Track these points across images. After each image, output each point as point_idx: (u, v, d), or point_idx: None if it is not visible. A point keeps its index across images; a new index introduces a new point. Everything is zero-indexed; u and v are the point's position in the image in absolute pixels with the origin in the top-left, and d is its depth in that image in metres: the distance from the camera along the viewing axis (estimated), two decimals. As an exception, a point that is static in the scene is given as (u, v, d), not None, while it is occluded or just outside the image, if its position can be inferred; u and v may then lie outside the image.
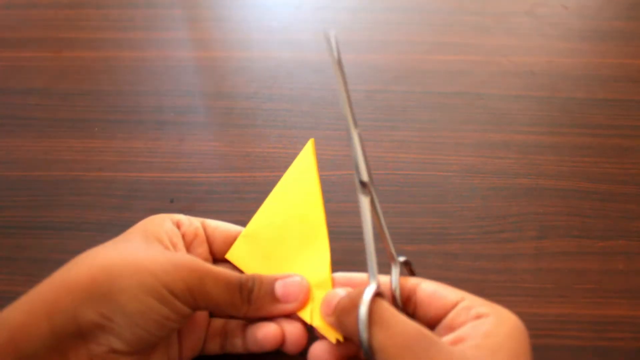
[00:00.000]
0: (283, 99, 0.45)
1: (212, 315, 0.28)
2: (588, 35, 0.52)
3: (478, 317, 0.23)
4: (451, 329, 0.24)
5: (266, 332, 0.26)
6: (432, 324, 0.24)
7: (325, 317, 0.25)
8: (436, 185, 0.38)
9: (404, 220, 0.35)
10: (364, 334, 0.21)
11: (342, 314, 0.23)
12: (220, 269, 0.25)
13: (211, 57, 0.50)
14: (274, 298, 0.26)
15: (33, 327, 0.21)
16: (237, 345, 0.27)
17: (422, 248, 0.34)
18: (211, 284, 0.24)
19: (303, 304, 0.26)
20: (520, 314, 0.30)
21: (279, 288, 0.26)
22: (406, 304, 0.26)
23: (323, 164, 0.39)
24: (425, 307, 0.25)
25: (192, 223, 0.29)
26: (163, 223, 0.28)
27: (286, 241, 0.28)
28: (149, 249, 0.25)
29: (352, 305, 0.23)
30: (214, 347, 0.28)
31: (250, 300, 0.25)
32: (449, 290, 0.25)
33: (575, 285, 0.32)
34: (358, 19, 0.55)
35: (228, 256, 0.29)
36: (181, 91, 0.46)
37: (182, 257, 0.25)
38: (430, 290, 0.25)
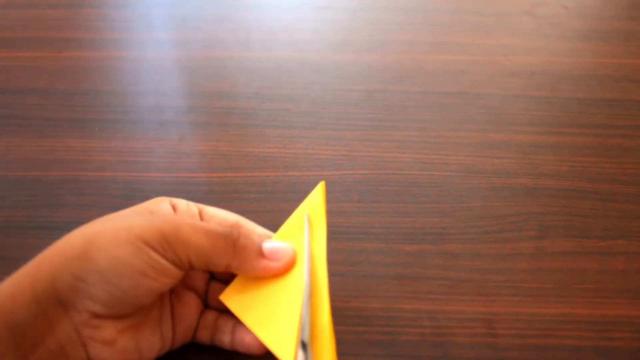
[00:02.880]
0: (283, 99, 0.45)
1: (207, 306, 0.29)
2: (588, 35, 0.52)
3: None
4: None
5: (254, 336, 0.26)
6: None
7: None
8: (436, 185, 0.38)
9: (404, 220, 0.35)
10: None
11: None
12: (198, 221, 0.25)
13: (211, 57, 0.50)
14: (260, 253, 0.26)
15: (18, 296, 0.22)
16: (225, 341, 0.27)
17: (422, 248, 0.34)
18: (189, 231, 0.24)
19: (287, 268, 0.26)
20: (520, 314, 0.30)
21: (267, 245, 0.26)
22: None
23: (323, 164, 0.39)
24: None
25: (190, 209, 0.29)
26: (160, 203, 0.28)
27: (281, 290, 0.26)
28: (129, 212, 0.26)
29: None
30: (203, 338, 0.28)
31: (236, 249, 0.25)
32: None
33: (575, 285, 0.32)
34: (358, 19, 0.55)
35: (222, 297, 0.27)
36: (181, 91, 0.46)
37: (159, 213, 0.26)
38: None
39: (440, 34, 0.52)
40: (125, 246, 0.22)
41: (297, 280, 0.26)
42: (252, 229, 0.29)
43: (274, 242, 0.27)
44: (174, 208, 0.28)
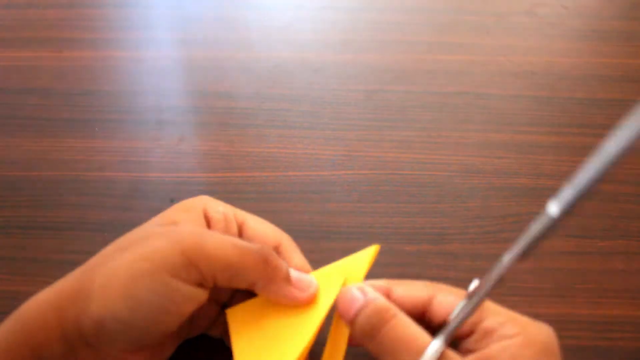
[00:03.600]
0: (283, 99, 0.45)
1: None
2: (588, 35, 0.52)
3: (503, 337, 0.22)
4: (478, 342, 0.22)
5: None
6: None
7: (342, 317, 0.23)
8: (436, 185, 0.38)
9: (404, 220, 0.35)
10: None
11: (367, 330, 0.22)
12: (228, 235, 0.24)
13: (211, 57, 0.50)
14: (288, 278, 0.24)
15: (48, 330, 0.21)
16: None
17: (422, 248, 0.34)
18: (214, 245, 0.22)
19: (309, 300, 0.25)
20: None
21: (293, 273, 0.25)
22: (422, 316, 0.24)
23: (322, 164, 0.39)
24: (441, 321, 0.23)
25: (228, 224, 0.27)
26: (191, 209, 0.26)
27: (285, 334, 0.25)
28: (152, 236, 0.24)
29: (378, 324, 0.21)
30: (215, 332, 0.28)
31: (266, 267, 0.23)
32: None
33: (575, 285, 0.32)
34: (358, 19, 0.55)
35: (228, 312, 0.26)
36: (181, 91, 0.46)
37: (182, 227, 0.24)
38: (447, 304, 0.23)
39: (440, 34, 0.52)
40: (145, 283, 0.21)
41: (306, 330, 0.24)
42: (292, 253, 0.27)
43: (300, 273, 0.25)
44: (207, 220, 0.26)
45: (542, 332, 0.22)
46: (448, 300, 0.24)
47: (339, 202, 0.37)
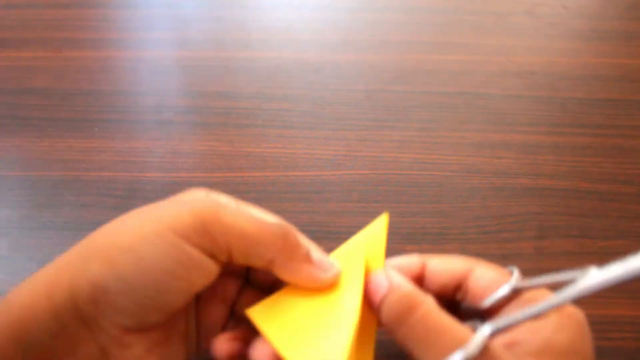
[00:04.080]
0: (283, 99, 0.45)
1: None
2: (588, 35, 0.52)
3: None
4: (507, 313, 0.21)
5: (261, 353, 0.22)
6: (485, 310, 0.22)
7: (371, 303, 0.22)
8: (436, 185, 0.38)
9: (404, 220, 0.35)
10: None
11: (393, 318, 0.21)
12: (246, 207, 0.22)
13: (211, 57, 0.50)
14: (308, 257, 0.22)
15: (35, 308, 0.19)
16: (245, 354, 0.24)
17: (422, 248, 0.34)
18: (232, 213, 0.20)
19: (332, 283, 0.23)
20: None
21: (314, 253, 0.23)
22: (455, 290, 0.24)
23: (323, 164, 0.39)
24: (477, 297, 0.22)
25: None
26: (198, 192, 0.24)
27: (321, 318, 0.23)
28: (157, 204, 0.22)
29: (404, 312, 0.20)
30: None
31: (285, 242, 0.22)
32: (504, 277, 0.22)
33: (575, 285, 0.32)
34: (358, 19, 0.55)
35: (249, 312, 0.24)
36: (181, 91, 0.46)
37: (197, 198, 0.22)
38: (485, 280, 0.23)
39: (440, 34, 0.52)
40: (153, 242, 0.19)
41: (343, 309, 0.22)
42: (307, 242, 0.25)
43: (321, 254, 0.23)
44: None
45: (573, 314, 0.21)
46: (488, 276, 0.23)
47: (339, 202, 0.36)
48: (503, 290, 0.20)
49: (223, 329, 0.25)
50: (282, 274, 0.23)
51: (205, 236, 0.20)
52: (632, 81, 0.46)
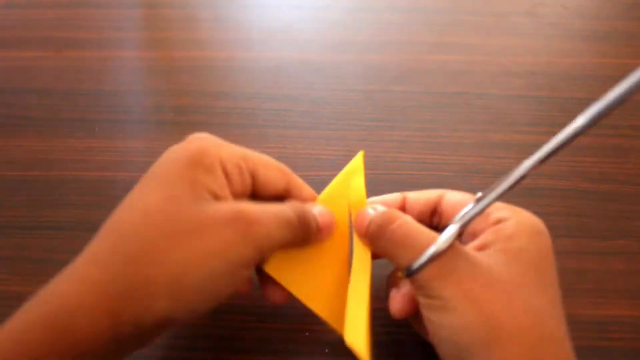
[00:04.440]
0: (283, 99, 0.45)
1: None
2: (588, 35, 0.52)
3: (498, 221, 0.24)
4: (474, 235, 0.25)
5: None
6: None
7: (360, 237, 0.26)
8: (436, 185, 0.38)
9: (404, 220, 0.35)
10: (418, 265, 0.22)
11: (376, 230, 0.24)
12: (273, 209, 0.24)
13: (211, 57, 0.50)
14: (318, 227, 0.26)
15: (98, 339, 0.20)
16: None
17: (422, 248, 0.34)
18: (276, 230, 0.23)
19: (329, 234, 0.27)
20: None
21: (316, 213, 0.26)
22: (432, 216, 0.28)
23: (323, 164, 0.39)
24: (449, 217, 0.26)
25: (242, 177, 0.26)
26: (212, 169, 0.24)
27: (328, 261, 0.27)
28: (208, 219, 0.22)
29: (385, 223, 0.24)
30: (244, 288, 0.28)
31: (306, 233, 0.25)
32: (471, 198, 0.25)
33: (575, 285, 0.32)
34: (358, 19, 0.55)
35: (266, 267, 0.27)
36: (181, 91, 0.46)
37: (245, 215, 0.23)
38: (454, 201, 0.26)
39: (440, 34, 0.52)
40: (223, 281, 0.22)
41: (342, 250, 0.27)
42: (302, 187, 0.28)
43: (321, 212, 0.26)
44: (225, 175, 0.25)
45: (529, 215, 0.25)
46: (456, 198, 0.27)
47: (339, 202, 0.36)
48: (470, 206, 0.22)
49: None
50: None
51: (260, 258, 0.23)
52: (632, 81, 0.46)
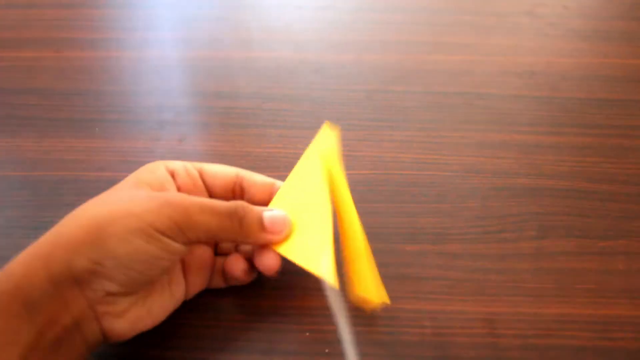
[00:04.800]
0: (283, 99, 0.45)
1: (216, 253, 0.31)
2: (588, 35, 0.52)
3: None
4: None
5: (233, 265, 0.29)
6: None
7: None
8: (436, 185, 0.38)
9: (404, 220, 0.35)
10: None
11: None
12: (204, 199, 0.26)
13: (211, 57, 0.50)
14: (263, 227, 0.27)
15: (33, 277, 0.23)
16: (239, 276, 0.29)
17: (422, 248, 0.34)
18: (197, 213, 0.25)
19: (286, 237, 0.28)
20: (520, 314, 0.30)
21: (267, 219, 0.27)
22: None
23: (323, 164, 0.39)
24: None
25: (189, 173, 0.30)
26: (156, 170, 0.29)
27: (307, 218, 0.29)
28: (136, 194, 0.26)
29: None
30: (218, 283, 0.30)
31: (242, 226, 0.27)
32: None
33: (575, 285, 0.32)
34: (358, 19, 0.55)
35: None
36: (181, 91, 0.46)
37: (166, 195, 0.27)
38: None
39: (441, 34, 0.52)
40: (140, 235, 0.24)
41: (321, 208, 0.29)
42: (252, 177, 0.31)
43: (273, 213, 0.28)
44: (172, 175, 0.30)
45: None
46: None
47: (339, 202, 0.36)
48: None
49: (212, 269, 0.30)
50: (245, 245, 0.30)
51: (180, 234, 0.25)
52: (632, 81, 0.46)
